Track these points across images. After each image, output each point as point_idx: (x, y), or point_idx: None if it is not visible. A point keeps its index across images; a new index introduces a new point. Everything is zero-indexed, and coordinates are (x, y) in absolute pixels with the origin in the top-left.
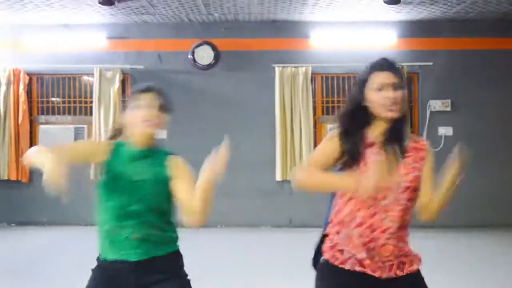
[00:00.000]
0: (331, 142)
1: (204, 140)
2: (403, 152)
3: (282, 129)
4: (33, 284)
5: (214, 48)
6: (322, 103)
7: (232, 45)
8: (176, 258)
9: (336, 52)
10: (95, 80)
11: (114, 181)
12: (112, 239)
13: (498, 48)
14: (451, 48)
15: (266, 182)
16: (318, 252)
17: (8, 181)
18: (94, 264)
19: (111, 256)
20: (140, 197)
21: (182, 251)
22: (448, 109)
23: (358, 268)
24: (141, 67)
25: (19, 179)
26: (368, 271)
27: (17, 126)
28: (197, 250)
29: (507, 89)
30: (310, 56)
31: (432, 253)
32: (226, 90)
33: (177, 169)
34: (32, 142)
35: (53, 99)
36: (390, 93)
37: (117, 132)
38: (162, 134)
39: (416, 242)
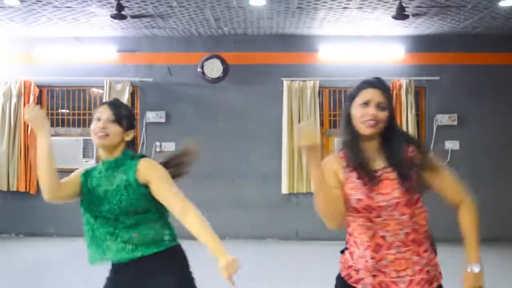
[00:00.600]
0: (325, 168)
1: (212, 153)
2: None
3: (289, 142)
4: None
5: (223, 61)
6: (330, 116)
7: (241, 59)
8: (167, 256)
9: (344, 66)
10: (104, 93)
11: (88, 195)
12: (94, 245)
13: (506, 63)
14: (458, 63)
15: (273, 194)
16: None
17: (17, 192)
18: (101, 275)
19: (99, 260)
20: (112, 205)
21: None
22: (455, 123)
23: None
24: (150, 80)
25: (28, 190)
26: None
27: (26, 137)
28: (203, 262)
29: None
30: (318, 70)
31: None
32: (235, 103)
33: (147, 173)
34: None
35: (63, 111)
36: (370, 109)
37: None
38: (170, 147)
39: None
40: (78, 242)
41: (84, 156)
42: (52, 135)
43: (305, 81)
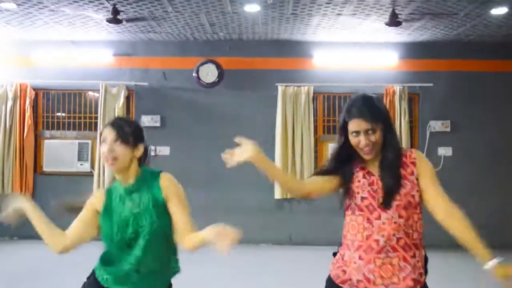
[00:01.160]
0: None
1: (207, 157)
2: (397, 180)
3: (283, 147)
4: None
5: (218, 66)
6: (324, 122)
7: (236, 64)
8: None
9: (339, 72)
10: (100, 96)
11: (110, 218)
12: (113, 272)
13: (498, 70)
14: (451, 70)
15: (266, 200)
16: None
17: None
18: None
19: (102, 281)
20: (142, 229)
21: (182, 267)
22: (448, 129)
23: None
24: (145, 84)
25: (23, 192)
26: None
27: (22, 140)
28: (197, 268)
29: (505, 111)
30: (312, 75)
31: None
32: (230, 107)
33: (169, 190)
34: (37, 157)
35: (58, 114)
36: (362, 139)
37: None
38: (165, 151)
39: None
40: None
41: (79, 159)
42: (48, 138)
43: (299, 86)
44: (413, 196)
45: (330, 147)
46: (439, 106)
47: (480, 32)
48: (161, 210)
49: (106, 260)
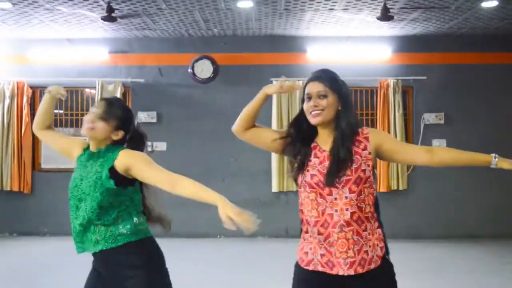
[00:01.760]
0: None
1: (203, 152)
2: (349, 156)
3: None
4: None
5: (213, 62)
6: None
7: (231, 59)
8: (130, 251)
9: (333, 66)
10: (97, 93)
11: (74, 177)
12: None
13: (491, 62)
14: (444, 63)
15: (263, 193)
16: None
17: (11, 192)
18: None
19: (77, 250)
20: (81, 195)
21: (178, 261)
22: (442, 122)
23: (320, 268)
24: (142, 80)
25: (21, 190)
26: (328, 270)
27: (20, 138)
28: (194, 260)
29: (499, 102)
30: (307, 70)
31: (427, 264)
32: (225, 103)
33: (127, 161)
34: (35, 154)
35: (56, 111)
36: (312, 101)
37: None
38: (162, 147)
39: (414, 253)
40: (72, 241)
41: None
42: None
43: (294, 81)
44: (363, 171)
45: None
46: (432, 98)
47: (472, 25)
48: (100, 185)
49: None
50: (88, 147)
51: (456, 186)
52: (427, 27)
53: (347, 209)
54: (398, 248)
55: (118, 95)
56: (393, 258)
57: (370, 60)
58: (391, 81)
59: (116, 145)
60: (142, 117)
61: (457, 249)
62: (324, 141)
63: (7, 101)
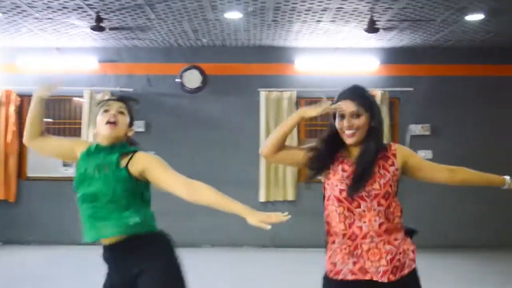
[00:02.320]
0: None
1: (191, 161)
2: (373, 171)
3: None
4: None
5: (202, 72)
6: (306, 126)
7: (220, 70)
8: (142, 243)
9: (321, 77)
10: (85, 102)
11: (80, 172)
12: (84, 223)
13: (477, 74)
14: (431, 74)
15: (250, 202)
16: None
17: None
18: (81, 282)
19: (88, 238)
20: (95, 182)
21: None
22: (428, 133)
23: (350, 277)
24: (130, 90)
25: (6, 198)
26: (360, 277)
27: (6, 146)
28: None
29: (485, 114)
30: (295, 81)
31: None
32: (213, 113)
33: (143, 161)
34: (21, 163)
35: (44, 120)
36: (346, 121)
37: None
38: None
39: None
40: (57, 250)
41: (64, 165)
42: None
43: (282, 91)
44: (391, 186)
45: None
46: (419, 110)
47: (458, 37)
48: (112, 172)
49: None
50: (93, 145)
51: (438, 195)
52: (414, 39)
53: (375, 220)
54: None
55: None
56: None
57: (357, 72)
58: (378, 92)
59: (130, 145)
60: None
61: (435, 259)
62: (354, 155)
63: None
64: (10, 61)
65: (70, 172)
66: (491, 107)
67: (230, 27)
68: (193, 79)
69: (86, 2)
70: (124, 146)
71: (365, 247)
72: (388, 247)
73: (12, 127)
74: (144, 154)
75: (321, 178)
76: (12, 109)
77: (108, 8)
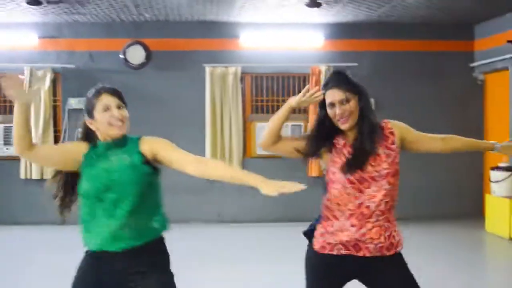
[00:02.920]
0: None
1: None
2: (372, 148)
3: (212, 127)
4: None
5: (145, 48)
6: (252, 102)
7: (164, 45)
8: (154, 248)
9: (266, 52)
10: (25, 79)
11: (90, 178)
12: (89, 230)
13: (419, 50)
14: (375, 50)
15: (197, 179)
16: (311, 231)
17: None
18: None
19: (92, 247)
20: (113, 185)
21: None
22: (373, 108)
23: (343, 252)
24: (72, 66)
25: None
26: (353, 253)
27: None
28: None
29: (429, 89)
30: (240, 56)
31: None
32: (158, 89)
33: (152, 145)
34: None
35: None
36: (336, 110)
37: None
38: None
39: None
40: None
41: (5, 144)
42: None
43: (227, 67)
44: (397, 163)
45: (259, 127)
46: (364, 84)
47: (400, 13)
48: (137, 171)
49: (86, 222)
50: (94, 144)
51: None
52: (357, 14)
53: (383, 200)
54: None
55: (48, 81)
56: None
57: (302, 47)
58: (323, 67)
59: (130, 135)
60: (73, 103)
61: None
62: (353, 138)
63: None
64: None
65: (12, 151)
66: (434, 82)
67: (172, 2)
68: (137, 55)
69: None
70: (126, 139)
71: (369, 225)
72: (387, 224)
73: None
74: (148, 138)
75: (322, 164)
76: None
77: None
